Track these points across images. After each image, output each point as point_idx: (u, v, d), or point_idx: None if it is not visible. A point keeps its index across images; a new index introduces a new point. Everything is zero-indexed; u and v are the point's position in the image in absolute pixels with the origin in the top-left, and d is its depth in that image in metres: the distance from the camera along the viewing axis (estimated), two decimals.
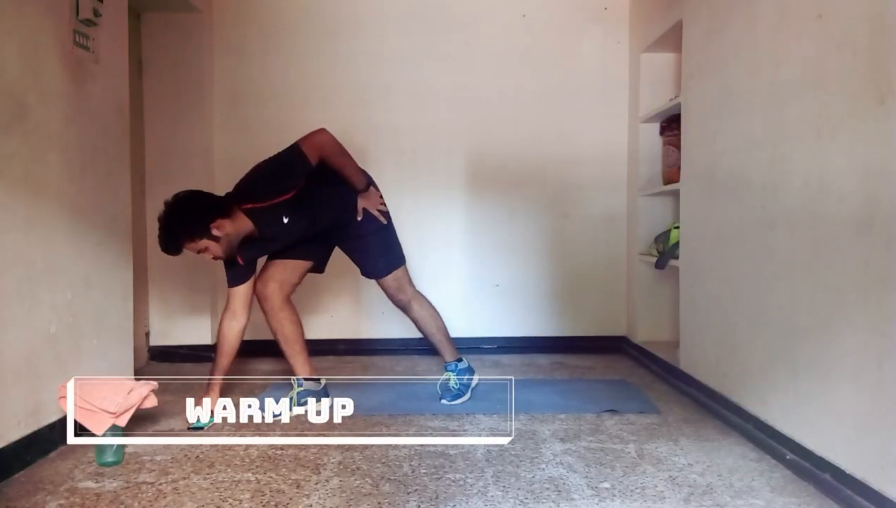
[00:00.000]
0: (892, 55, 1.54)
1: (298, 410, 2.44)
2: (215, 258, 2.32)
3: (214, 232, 2.23)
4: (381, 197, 2.66)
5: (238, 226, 2.29)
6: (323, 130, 2.38)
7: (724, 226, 2.46)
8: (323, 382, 2.63)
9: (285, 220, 2.36)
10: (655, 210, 3.55)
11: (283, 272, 2.60)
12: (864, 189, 1.63)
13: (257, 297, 2.56)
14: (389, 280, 2.67)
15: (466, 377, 2.72)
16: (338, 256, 3.75)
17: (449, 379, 2.70)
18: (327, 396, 2.48)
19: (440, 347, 2.75)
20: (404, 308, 2.72)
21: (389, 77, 3.70)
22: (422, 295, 2.74)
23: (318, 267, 2.75)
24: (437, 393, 2.69)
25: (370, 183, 2.62)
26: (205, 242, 2.23)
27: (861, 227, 1.64)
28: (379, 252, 2.65)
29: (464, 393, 2.69)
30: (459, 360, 2.74)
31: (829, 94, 1.78)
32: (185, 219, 2.22)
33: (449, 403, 2.64)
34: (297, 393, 2.55)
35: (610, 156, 3.77)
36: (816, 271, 1.83)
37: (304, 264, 2.66)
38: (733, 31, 2.38)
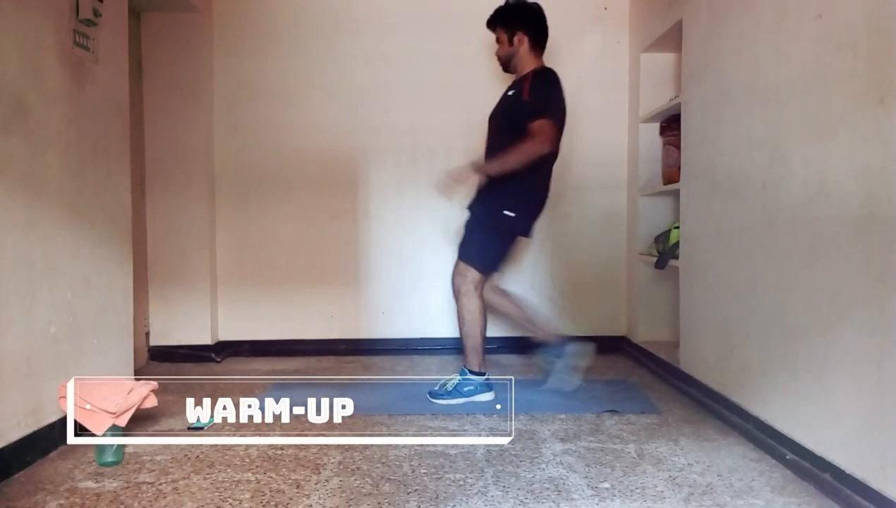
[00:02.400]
0: (892, 55, 1.54)
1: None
2: (499, 54, 2.81)
3: (516, 38, 2.73)
4: (460, 178, 2.72)
5: (527, 58, 2.76)
6: (546, 140, 2.58)
7: (724, 226, 2.46)
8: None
9: (510, 93, 2.76)
10: (655, 210, 3.55)
11: None
12: (863, 189, 1.63)
13: None
14: (459, 264, 2.75)
15: (469, 388, 2.68)
16: (337, 259, 3.76)
17: (453, 379, 2.71)
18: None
19: (464, 351, 2.75)
20: (454, 294, 2.76)
21: (389, 77, 3.70)
22: (476, 299, 2.70)
23: None
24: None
25: (491, 172, 2.69)
26: (505, 36, 2.76)
27: (861, 227, 1.64)
28: (468, 238, 2.77)
29: (452, 397, 2.66)
30: (479, 374, 2.71)
31: (829, 94, 1.78)
32: (522, 12, 2.75)
33: (430, 398, 2.68)
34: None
35: (610, 156, 3.76)
36: (816, 271, 1.83)
37: None
38: (733, 31, 2.38)
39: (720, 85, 2.49)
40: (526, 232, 2.78)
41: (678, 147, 3.00)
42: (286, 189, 3.72)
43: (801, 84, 1.92)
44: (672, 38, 3.13)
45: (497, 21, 2.79)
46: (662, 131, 3.39)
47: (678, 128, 2.98)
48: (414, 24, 3.73)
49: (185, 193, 3.54)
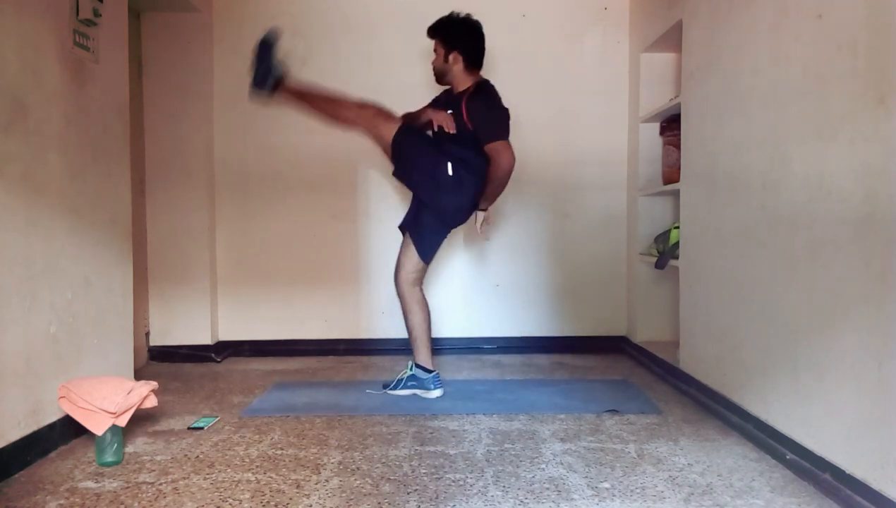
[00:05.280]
0: (892, 55, 1.54)
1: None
2: (434, 65, 2.84)
3: (452, 56, 2.74)
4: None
5: (461, 76, 2.77)
6: (509, 157, 2.64)
7: (724, 226, 2.46)
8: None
9: (449, 111, 2.76)
10: (655, 210, 3.55)
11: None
12: (863, 188, 1.63)
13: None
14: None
15: (413, 382, 2.76)
16: (338, 259, 3.76)
17: (403, 373, 2.80)
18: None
19: (412, 346, 2.83)
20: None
21: (390, 77, 3.70)
22: (416, 297, 2.80)
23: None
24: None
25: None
26: (442, 50, 2.77)
27: (861, 227, 1.64)
28: (415, 226, 2.83)
29: (396, 387, 2.77)
30: (428, 372, 2.76)
31: (829, 94, 1.78)
32: (461, 31, 2.76)
33: (381, 390, 2.81)
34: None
35: (610, 156, 3.77)
36: (816, 271, 1.83)
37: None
38: (733, 31, 2.38)
39: (720, 85, 2.49)
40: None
41: (678, 147, 3.00)
42: (286, 189, 3.72)
43: (801, 84, 1.92)
44: (672, 38, 3.13)
45: (437, 33, 2.80)
46: (662, 131, 3.39)
47: (678, 128, 2.98)
48: (415, 25, 3.71)
49: (185, 193, 3.54)
